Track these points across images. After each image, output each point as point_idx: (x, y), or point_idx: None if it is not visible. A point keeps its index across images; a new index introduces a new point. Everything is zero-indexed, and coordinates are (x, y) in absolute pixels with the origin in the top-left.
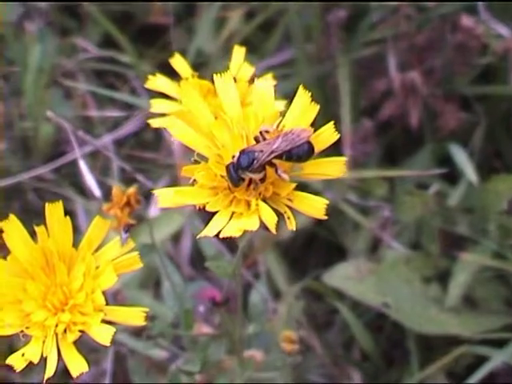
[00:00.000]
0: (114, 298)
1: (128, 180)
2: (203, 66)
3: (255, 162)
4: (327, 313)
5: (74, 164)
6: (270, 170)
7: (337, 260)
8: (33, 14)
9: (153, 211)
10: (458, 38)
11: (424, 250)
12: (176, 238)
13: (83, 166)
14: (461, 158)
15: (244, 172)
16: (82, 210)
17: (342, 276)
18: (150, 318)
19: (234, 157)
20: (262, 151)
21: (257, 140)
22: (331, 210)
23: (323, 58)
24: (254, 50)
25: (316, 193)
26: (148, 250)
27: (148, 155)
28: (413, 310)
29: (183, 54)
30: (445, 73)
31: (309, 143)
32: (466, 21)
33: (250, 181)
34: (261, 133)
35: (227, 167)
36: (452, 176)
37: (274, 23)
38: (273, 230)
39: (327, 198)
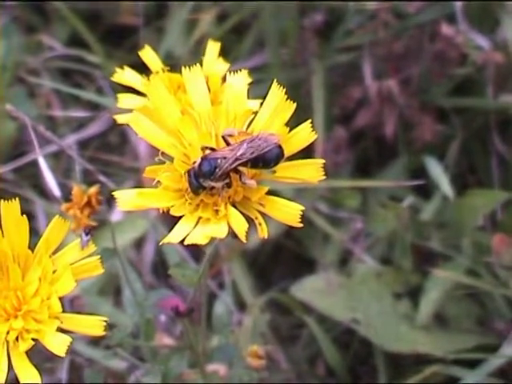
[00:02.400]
0: (71, 304)
1: (91, 183)
2: (173, 69)
3: (217, 169)
4: (293, 326)
5: (35, 165)
6: (234, 176)
7: (305, 272)
8: None
9: (115, 215)
10: (437, 46)
11: (396, 264)
12: (138, 243)
13: (43, 164)
14: (436, 171)
15: (205, 180)
16: (42, 212)
17: (310, 289)
18: (109, 326)
19: (194, 162)
20: (224, 158)
21: (224, 140)
22: (302, 218)
23: (297, 63)
24: (225, 54)
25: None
26: (109, 255)
27: (113, 158)
28: (382, 326)
29: None
30: (421, 83)
31: (278, 147)
32: (446, 29)
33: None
34: (223, 137)
35: (187, 173)
36: (425, 189)
37: (247, 26)
38: (243, 238)
39: (311, 215)
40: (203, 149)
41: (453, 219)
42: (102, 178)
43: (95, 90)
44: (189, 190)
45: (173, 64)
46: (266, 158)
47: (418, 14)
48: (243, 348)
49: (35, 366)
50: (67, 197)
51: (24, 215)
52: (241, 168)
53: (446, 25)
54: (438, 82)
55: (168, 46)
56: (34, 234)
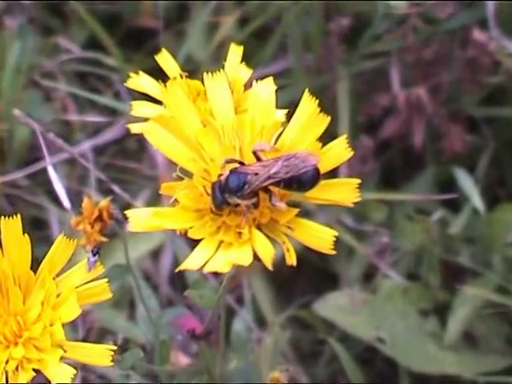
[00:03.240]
0: (83, 318)
1: (107, 190)
2: (192, 74)
3: (246, 186)
4: (314, 343)
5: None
6: (262, 196)
7: (328, 287)
8: (14, 10)
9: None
10: (468, 53)
11: (423, 280)
12: (155, 254)
13: (52, 173)
14: (465, 183)
15: (231, 196)
16: (56, 221)
17: (333, 306)
18: (123, 341)
19: (221, 175)
20: (256, 174)
21: (255, 155)
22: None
23: (322, 69)
24: (247, 58)
25: (310, 215)
26: (121, 272)
27: (130, 165)
28: (408, 345)
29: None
30: (451, 91)
31: (315, 170)
32: (478, 35)
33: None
34: (254, 153)
35: (213, 186)
36: (454, 202)
37: (270, 30)
38: (268, 265)
39: (335, 229)
40: (228, 162)
41: (483, 234)
42: (115, 188)
43: (112, 94)
44: (211, 207)
45: (192, 69)
46: (302, 180)
47: (449, 19)
48: (263, 367)
49: None
50: (81, 205)
51: (26, 234)
52: (271, 188)
53: (478, 31)
54: (468, 91)
55: (188, 49)
56: (48, 243)
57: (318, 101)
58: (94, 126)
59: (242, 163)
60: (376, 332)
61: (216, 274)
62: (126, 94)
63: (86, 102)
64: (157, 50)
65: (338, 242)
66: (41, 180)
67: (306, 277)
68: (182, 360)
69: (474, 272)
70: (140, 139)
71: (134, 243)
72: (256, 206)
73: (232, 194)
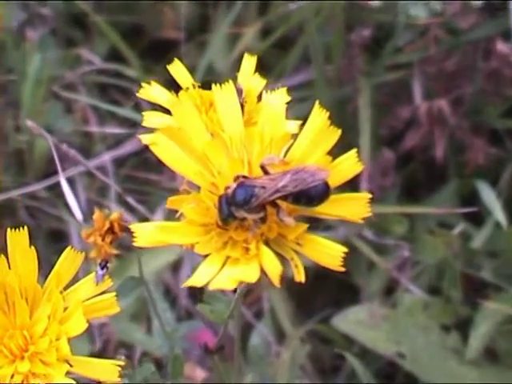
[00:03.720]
0: (100, 330)
1: (127, 202)
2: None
3: (253, 199)
4: (334, 358)
5: (70, 182)
6: (270, 210)
7: (347, 301)
8: (35, 21)
9: None
10: (491, 65)
11: (444, 295)
12: (175, 267)
13: (65, 184)
14: (488, 196)
15: (238, 209)
16: (76, 233)
17: (353, 320)
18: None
19: (228, 188)
20: (264, 188)
21: (263, 169)
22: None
23: (343, 80)
24: (269, 70)
25: (330, 229)
26: (135, 285)
27: (150, 176)
28: (429, 361)
29: (193, 70)
30: (474, 103)
31: (325, 184)
32: (501, 46)
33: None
34: (262, 167)
35: (219, 199)
36: (476, 216)
37: (291, 41)
38: (276, 282)
39: (345, 245)
40: (236, 179)
41: (505, 248)
42: (131, 200)
43: (133, 106)
44: (217, 221)
45: (213, 80)
46: (311, 195)
47: (472, 29)
48: (281, 382)
49: None
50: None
51: (32, 246)
52: (279, 202)
53: (501, 42)
54: (491, 103)
55: (209, 60)
56: None
57: (328, 113)
58: (114, 137)
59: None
60: (396, 347)
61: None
62: (146, 106)
63: (107, 114)
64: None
65: (358, 256)
66: (61, 192)
67: (325, 291)
68: (199, 374)
69: (496, 287)
70: None
71: (153, 256)
72: (264, 220)
73: (239, 207)
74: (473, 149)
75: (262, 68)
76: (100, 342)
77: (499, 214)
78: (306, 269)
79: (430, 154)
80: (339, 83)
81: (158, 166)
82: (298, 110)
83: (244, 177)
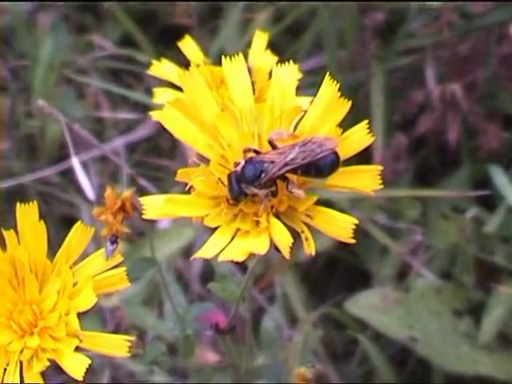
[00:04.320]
0: (112, 314)
1: (139, 187)
2: None
3: (263, 175)
4: (347, 342)
5: (82, 168)
6: (280, 184)
7: (360, 286)
8: (47, 6)
9: (162, 223)
10: (505, 49)
11: (457, 280)
12: (187, 252)
13: (77, 164)
14: (501, 181)
15: (249, 186)
16: (88, 218)
17: (365, 305)
18: (153, 338)
19: (237, 164)
20: (272, 162)
21: (271, 144)
22: (356, 231)
23: (356, 65)
24: (280, 55)
25: (340, 211)
26: (147, 265)
27: (162, 162)
28: (442, 345)
29: (205, 55)
30: (487, 88)
31: (334, 154)
32: None
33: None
34: (270, 141)
35: (229, 177)
36: (489, 201)
37: (303, 26)
38: (286, 254)
39: (355, 217)
40: (246, 151)
41: None
42: (145, 183)
43: (144, 91)
44: (227, 197)
45: None
46: (320, 166)
47: (486, 14)
48: (293, 366)
49: None
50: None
51: (41, 220)
52: (289, 175)
53: None
54: (505, 88)
55: (220, 45)
56: None
57: (338, 84)
58: (126, 123)
59: (258, 152)
60: (409, 331)
61: (245, 269)
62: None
63: (119, 99)
64: None
65: (370, 240)
66: (72, 177)
67: (338, 275)
68: (211, 357)
69: (509, 271)
70: (172, 136)
71: (165, 241)
72: (274, 194)
73: (249, 183)
74: (486, 134)
75: (273, 53)
76: (112, 325)
77: None
78: (319, 254)
79: (442, 138)
80: (352, 68)
81: (170, 151)
82: (310, 95)
83: (255, 151)
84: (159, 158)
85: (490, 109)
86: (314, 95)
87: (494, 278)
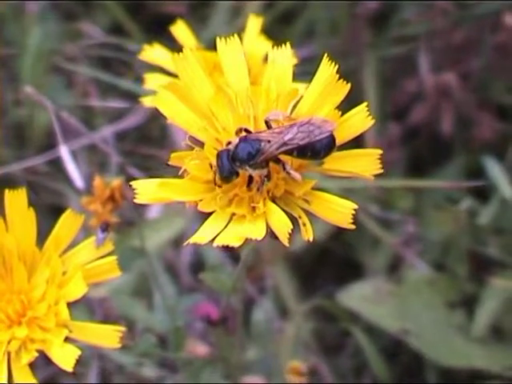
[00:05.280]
0: (100, 305)
1: (128, 177)
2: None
3: (259, 154)
4: (338, 335)
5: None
6: (274, 167)
7: (352, 277)
8: None
9: (151, 212)
10: (499, 38)
11: (450, 271)
12: (177, 242)
13: (65, 153)
14: (494, 171)
15: (243, 165)
16: (77, 207)
17: (357, 296)
18: (142, 330)
19: (229, 143)
20: (269, 141)
21: (267, 125)
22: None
23: (348, 54)
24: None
25: None
26: (136, 255)
27: (152, 151)
28: (435, 338)
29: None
30: (481, 77)
31: (330, 137)
32: (510, 19)
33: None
34: (266, 122)
35: (219, 154)
36: (482, 192)
37: (295, 14)
38: (285, 240)
39: (354, 202)
40: (238, 132)
41: None
42: (135, 171)
43: (134, 79)
44: (216, 177)
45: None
46: (316, 147)
47: (480, 3)
48: (284, 358)
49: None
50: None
51: (31, 207)
52: (284, 157)
53: (510, 15)
54: (499, 77)
55: (211, 33)
56: None
57: (337, 66)
58: (115, 111)
59: (251, 132)
60: (401, 323)
61: (236, 259)
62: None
63: (108, 88)
64: None
65: (362, 231)
66: (60, 166)
67: (329, 266)
68: (200, 349)
69: (502, 263)
70: (162, 126)
71: (154, 231)
72: (268, 177)
73: (243, 162)
74: (479, 124)
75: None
76: (100, 316)
77: (506, 190)
78: (310, 245)
79: (435, 129)
80: (344, 56)
81: (160, 140)
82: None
83: (246, 130)
84: (149, 147)
85: (484, 99)
86: (309, 82)
87: (488, 270)
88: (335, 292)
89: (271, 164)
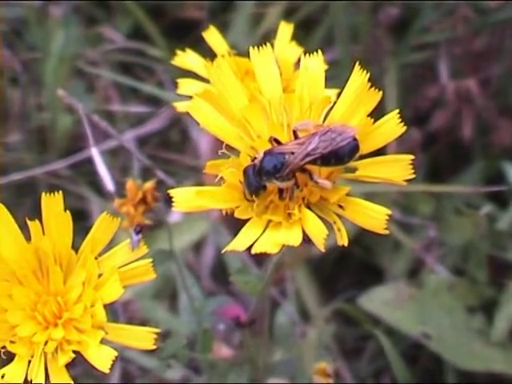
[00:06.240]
0: (124, 308)
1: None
2: None
3: (284, 166)
4: (358, 338)
5: (92, 161)
6: (301, 177)
7: (372, 281)
8: None
9: (174, 216)
10: None
11: (470, 276)
12: (198, 246)
13: (97, 156)
14: None
15: (269, 178)
16: (98, 211)
17: (378, 300)
18: (164, 333)
19: (255, 158)
20: (292, 153)
21: (295, 134)
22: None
23: (369, 61)
24: None
25: None
26: (164, 258)
27: (172, 156)
28: (455, 342)
29: None
30: (502, 84)
31: (354, 140)
32: None
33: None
34: (294, 132)
35: (245, 170)
36: (502, 197)
37: (316, 21)
38: (321, 246)
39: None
40: (271, 140)
41: None
42: (160, 174)
43: (155, 84)
44: (245, 195)
45: None
46: (339, 154)
47: (501, 9)
48: (307, 361)
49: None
50: (123, 195)
51: (67, 211)
52: (309, 166)
53: None
54: None
55: (233, 40)
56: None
57: (368, 74)
58: (137, 116)
59: (279, 142)
60: (422, 327)
61: (258, 262)
62: (169, 85)
63: (129, 93)
64: (201, 41)
65: (383, 236)
66: (83, 170)
67: (350, 271)
68: (225, 352)
69: None
70: (183, 130)
71: (176, 235)
72: (297, 185)
73: (270, 176)
74: (499, 130)
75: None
76: (124, 319)
77: None
78: (331, 249)
79: (455, 135)
80: (365, 63)
81: (181, 144)
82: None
83: (276, 140)
84: (169, 152)
85: (504, 105)
86: (338, 87)
87: (507, 275)
88: (356, 296)
89: (298, 174)
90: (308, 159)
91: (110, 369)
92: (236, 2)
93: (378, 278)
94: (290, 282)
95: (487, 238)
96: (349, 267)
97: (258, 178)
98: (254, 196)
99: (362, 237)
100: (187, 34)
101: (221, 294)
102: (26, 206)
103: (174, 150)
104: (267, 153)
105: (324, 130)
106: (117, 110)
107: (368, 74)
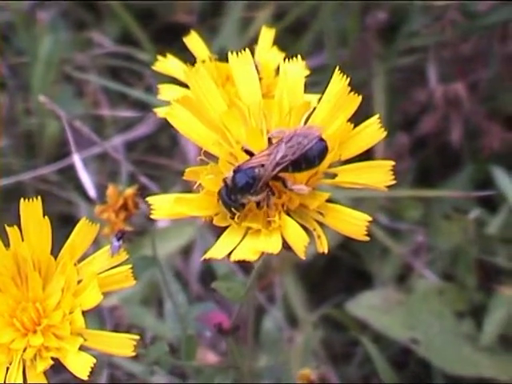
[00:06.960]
0: (111, 314)
1: (139, 187)
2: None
3: (257, 181)
4: (347, 344)
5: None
6: (275, 184)
7: (361, 287)
8: (47, 3)
9: (161, 221)
10: (508, 49)
11: (459, 281)
12: (187, 251)
13: (78, 163)
14: (503, 182)
15: (245, 195)
16: (87, 216)
17: (366, 306)
18: (151, 339)
19: (225, 179)
20: (262, 166)
21: (270, 142)
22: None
23: (358, 65)
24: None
25: None
26: (148, 264)
27: (161, 161)
28: (443, 347)
29: None
30: (490, 88)
31: (321, 141)
32: None
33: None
34: (269, 139)
35: (219, 193)
36: (491, 202)
37: (304, 25)
38: (301, 254)
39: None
40: (243, 150)
41: None
42: (145, 180)
43: (144, 89)
44: (229, 215)
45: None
46: (308, 156)
47: (489, 13)
48: (294, 367)
49: None
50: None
51: (46, 216)
52: (282, 174)
53: None
54: (507, 88)
55: (221, 44)
56: None
57: (349, 79)
58: (125, 121)
59: (249, 152)
60: (410, 333)
61: (245, 268)
62: (157, 89)
63: (118, 98)
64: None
65: (371, 241)
66: (71, 175)
67: (338, 276)
68: (211, 358)
69: (510, 273)
70: (172, 135)
71: (164, 240)
72: (273, 193)
73: (245, 193)
74: (488, 134)
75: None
76: (111, 325)
77: None
78: (318, 255)
79: (444, 139)
80: (353, 67)
81: (169, 149)
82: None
83: (246, 151)
84: (158, 157)
85: (493, 109)
86: (322, 92)
87: (496, 280)
88: (344, 301)
89: (272, 182)
90: (279, 168)
91: (89, 376)
92: (225, 6)
93: (366, 283)
94: (278, 287)
95: (476, 242)
96: (337, 272)
97: (233, 197)
98: (236, 212)
99: (350, 242)
100: (176, 39)
101: (209, 299)
102: (13, 212)
103: (163, 154)
104: (236, 170)
105: (289, 135)
106: (105, 114)
107: (348, 79)
